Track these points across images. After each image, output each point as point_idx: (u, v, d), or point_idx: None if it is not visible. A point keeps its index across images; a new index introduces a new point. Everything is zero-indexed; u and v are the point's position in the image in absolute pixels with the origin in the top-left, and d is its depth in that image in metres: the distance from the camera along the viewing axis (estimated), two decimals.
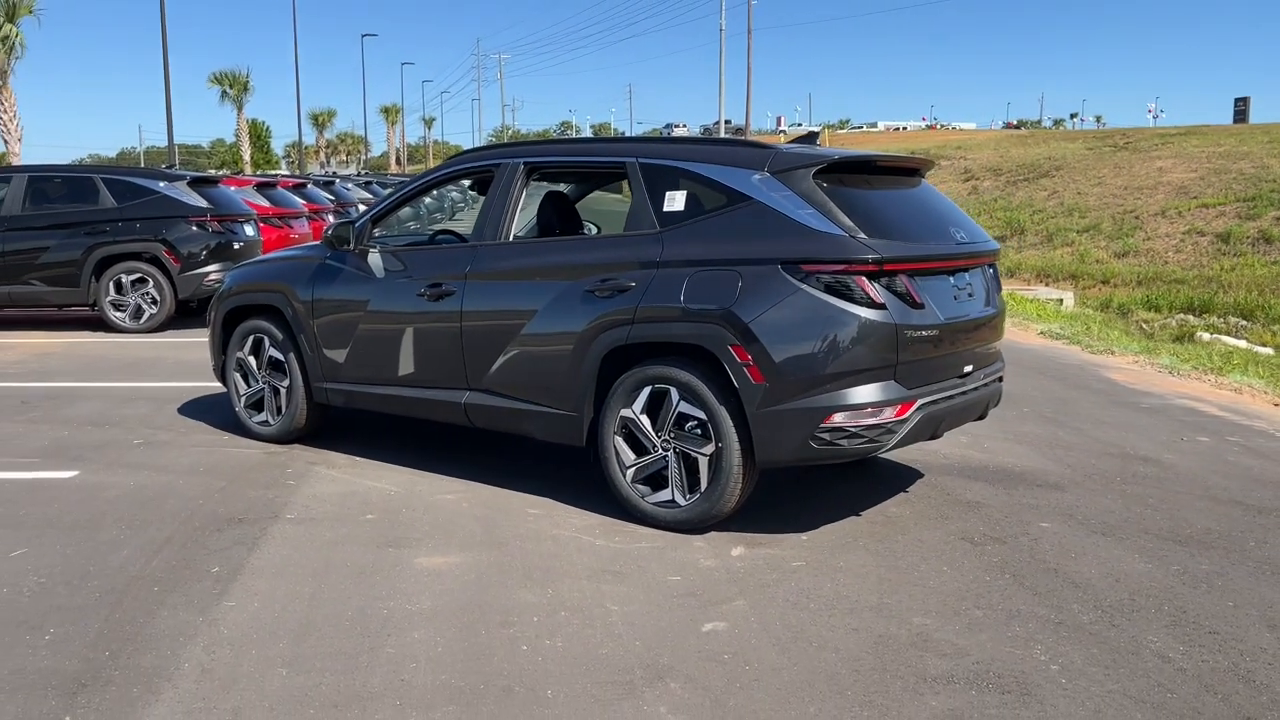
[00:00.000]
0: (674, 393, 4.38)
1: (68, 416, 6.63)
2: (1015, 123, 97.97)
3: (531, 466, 5.49)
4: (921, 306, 4.25)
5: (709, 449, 4.30)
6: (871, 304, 4.10)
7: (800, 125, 72.33)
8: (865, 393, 4.12)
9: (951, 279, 4.52)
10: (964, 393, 4.59)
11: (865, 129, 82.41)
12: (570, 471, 5.34)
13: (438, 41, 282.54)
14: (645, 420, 4.47)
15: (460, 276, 5.08)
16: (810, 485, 5.14)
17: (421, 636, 3.41)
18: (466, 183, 6.12)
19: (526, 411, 4.87)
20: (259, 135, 62.88)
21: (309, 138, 67.58)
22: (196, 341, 9.06)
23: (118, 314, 10.73)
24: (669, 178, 4.59)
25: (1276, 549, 4.30)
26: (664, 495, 4.46)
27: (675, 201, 4.53)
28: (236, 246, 11.14)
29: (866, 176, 4.64)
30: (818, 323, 4.09)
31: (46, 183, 11.20)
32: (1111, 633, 3.47)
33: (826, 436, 4.12)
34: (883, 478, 5.28)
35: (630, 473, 4.53)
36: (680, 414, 4.38)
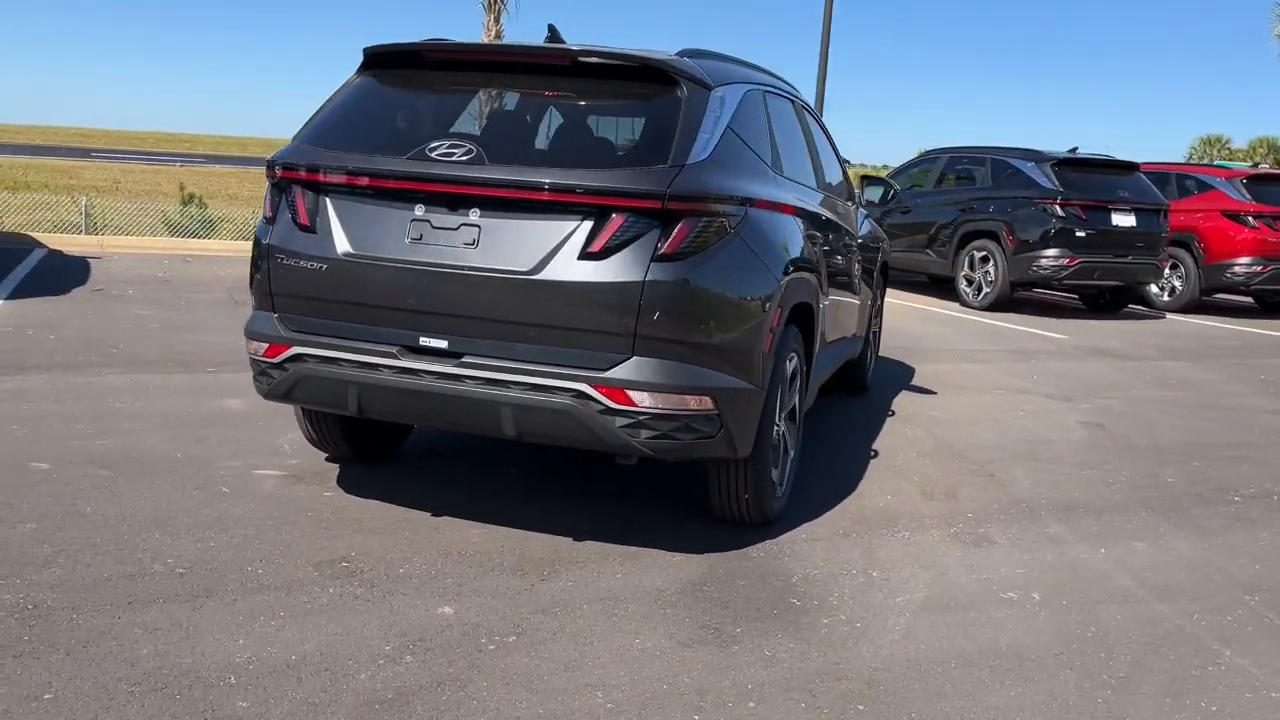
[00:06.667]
0: None
1: None
2: None
3: None
4: (310, 230, 3.43)
5: None
6: (267, 217, 3.60)
7: None
8: (253, 319, 3.62)
9: (417, 210, 3.31)
10: (411, 373, 3.28)
11: None
12: None
13: None
14: None
15: None
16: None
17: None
18: None
19: None
20: None
21: None
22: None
23: (966, 288, 11.01)
24: None
25: None
26: None
27: None
28: (1081, 234, 10.37)
29: (450, 74, 3.76)
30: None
31: (956, 164, 12.00)
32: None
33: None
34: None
35: None
36: None
